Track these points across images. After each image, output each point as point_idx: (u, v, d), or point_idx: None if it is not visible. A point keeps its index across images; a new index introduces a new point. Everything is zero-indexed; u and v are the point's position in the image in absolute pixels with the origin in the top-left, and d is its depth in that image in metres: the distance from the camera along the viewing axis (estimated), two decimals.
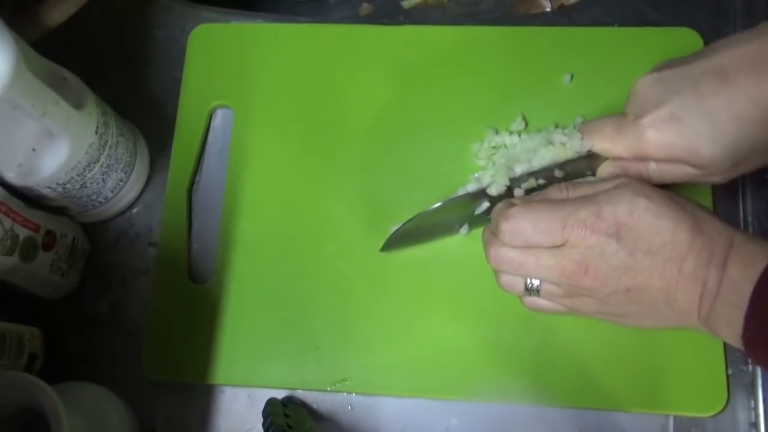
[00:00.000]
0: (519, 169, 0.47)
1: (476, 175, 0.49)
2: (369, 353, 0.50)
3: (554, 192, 0.44)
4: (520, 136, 0.52)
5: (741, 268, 0.38)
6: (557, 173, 0.47)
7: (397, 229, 0.49)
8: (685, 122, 0.40)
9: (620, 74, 0.54)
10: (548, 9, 0.59)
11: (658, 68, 0.43)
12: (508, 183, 0.47)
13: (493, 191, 0.47)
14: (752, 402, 0.48)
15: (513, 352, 0.50)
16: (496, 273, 0.44)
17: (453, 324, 0.50)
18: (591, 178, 0.47)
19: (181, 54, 0.59)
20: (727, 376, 0.48)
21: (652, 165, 0.44)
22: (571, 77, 0.55)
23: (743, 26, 0.56)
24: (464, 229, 0.51)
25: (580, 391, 0.49)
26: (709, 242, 0.39)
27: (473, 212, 0.48)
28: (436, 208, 0.48)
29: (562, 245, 0.40)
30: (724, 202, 0.52)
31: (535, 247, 0.41)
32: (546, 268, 0.41)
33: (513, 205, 0.42)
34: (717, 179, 0.43)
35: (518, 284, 0.43)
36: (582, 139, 0.46)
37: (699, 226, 0.39)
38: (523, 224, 0.41)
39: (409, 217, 0.49)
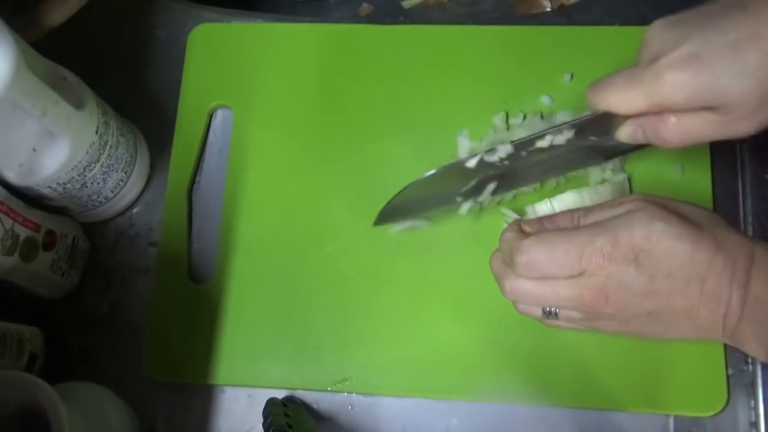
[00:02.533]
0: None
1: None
2: (369, 353, 0.50)
3: (565, 220, 0.42)
4: (524, 117, 0.53)
5: (764, 284, 0.37)
6: (564, 137, 0.44)
7: (390, 201, 0.48)
8: (708, 58, 0.37)
9: None
10: (548, 9, 0.59)
11: (670, 15, 0.40)
12: (511, 150, 0.45)
13: (494, 157, 0.45)
14: (752, 402, 0.48)
15: (513, 353, 0.50)
16: (514, 302, 0.43)
17: (453, 324, 0.50)
18: (606, 203, 0.43)
19: (182, 54, 0.59)
20: (727, 376, 0.48)
21: (672, 119, 0.41)
22: (572, 77, 0.55)
23: None
24: (465, 206, 0.50)
25: (580, 391, 0.49)
26: (729, 260, 0.37)
27: (472, 187, 0.47)
28: (429, 176, 0.46)
29: (579, 275, 0.39)
30: (724, 202, 0.52)
31: (552, 277, 0.40)
32: (565, 299, 0.40)
33: (525, 234, 0.41)
34: (741, 128, 0.39)
35: (536, 311, 0.42)
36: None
37: (718, 244, 0.38)
38: (538, 257, 0.39)
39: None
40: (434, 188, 0.48)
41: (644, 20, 0.56)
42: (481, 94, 0.55)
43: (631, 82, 0.40)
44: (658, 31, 0.40)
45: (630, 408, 0.48)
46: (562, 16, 0.58)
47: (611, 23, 0.57)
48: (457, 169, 0.47)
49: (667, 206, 0.39)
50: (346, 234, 0.53)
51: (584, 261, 0.38)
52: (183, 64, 0.58)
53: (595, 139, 0.45)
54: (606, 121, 0.43)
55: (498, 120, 0.54)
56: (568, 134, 0.44)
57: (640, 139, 0.43)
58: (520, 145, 0.46)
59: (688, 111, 0.40)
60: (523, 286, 0.41)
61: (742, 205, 0.52)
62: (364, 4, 0.66)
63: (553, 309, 0.42)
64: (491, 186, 0.48)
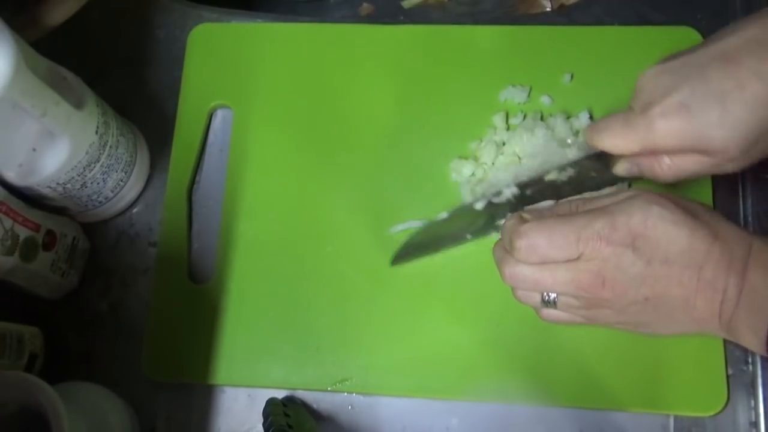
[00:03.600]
0: (526, 175, 0.47)
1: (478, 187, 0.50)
2: (369, 353, 0.50)
3: (564, 208, 0.43)
4: (524, 117, 0.53)
5: (762, 274, 0.37)
6: (566, 174, 0.46)
7: (405, 242, 0.50)
8: (695, 108, 0.40)
9: (620, 73, 0.54)
10: (548, 8, 0.59)
11: (663, 60, 0.42)
12: (516, 191, 0.47)
13: (501, 199, 0.47)
14: (752, 402, 0.48)
15: (513, 352, 0.50)
16: (513, 288, 0.44)
17: (453, 324, 0.50)
18: (605, 191, 0.47)
19: (181, 54, 0.59)
20: (727, 376, 0.48)
21: (666, 160, 0.43)
22: (572, 77, 0.55)
23: None
24: (469, 236, 0.51)
25: (580, 391, 0.49)
26: (727, 249, 0.38)
27: (484, 222, 0.49)
28: (440, 220, 0.48)
29: (578, 258, 0.40)
30: (724, 203, 0.52)
31: (551, 262, 0.40)
32: (563, 283, 0.41)
33: (525, 221, 0.41)
34: (732, 167, 0.42)
35: (535, 297, 0.43)
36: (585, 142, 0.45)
37: (716, 233, 0.39)
38: (537, 240, 0.40)
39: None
40: (445, 229, 0.50)
41: (644, 20, 0.56)
42: (481, 93, 0.55)
43: (626, 127, 0.42)
44: (650, 79, 0.42)
45: (630, 408, 0.48)
46: (562, 16, 0.58)
47: (611, 23, 0.57)
48: (466, 211, 0.49)
49: (665, 195, 0.40)
50: (346, 234, 0.53)
51: (582, 244, 0.39)
52: (183, 64, 0.58)
53: (595, 175, 0.47)
54: (605, 158, 0.45)
55: (498, 120, 0.54)
56: (571, 172, 0.47)
57: (635, 174, 0.45)
58: (525, 185, 0.47)
59: (681, 153, 0.42)
60: (522, 271, 0.41)
61: (742, 206, 0.52)
62: (364, 4, 0.66)
63: (551, 296, 0.42)
64: (502, 221, 0.49)
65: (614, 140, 0.43)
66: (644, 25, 0.56)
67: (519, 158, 0.52)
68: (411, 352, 0.50)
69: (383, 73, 0.57)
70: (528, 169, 0.51)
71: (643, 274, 0.39)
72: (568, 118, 0.53)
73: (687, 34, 0.55)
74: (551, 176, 0.47)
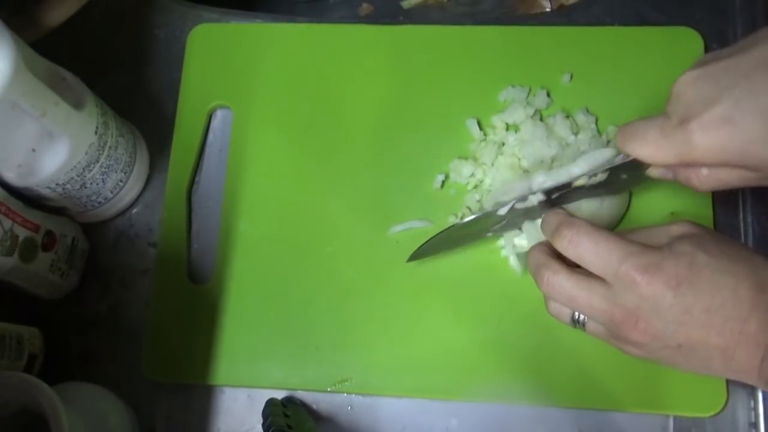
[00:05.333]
0: (550, 181, 0.47)
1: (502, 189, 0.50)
2: (369, 354, 0.50)
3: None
4: (524, 117, 0.53)
5: None
6: (596, 179, 0.45)
7: (426, 242, 0.49)
8: (739, 123, 0.36)
9: (620, 74, 0.55)
10: (548, 9, 0.59)
11: (701, 63, 0.39)
12: (542, 198, 0.46)
13: (525, 205, 0.47)
14: (752, 402, 0.48)
15: (513, 353, 0.50)
16: (546, 298, 0.43)
17: (453, 324, 0.50)
18: (653, 227, 0.43)
19: (181, 54, 0.59)
20: None
21: (704, 171, 0.40)
22: (571, 77, 0.55)
23: (743, 25, 0.56)
24: (490, 234, 0.51)
25: (580, 391, 0.49)
26: None
27: (507, 222, 0.48)
28: (469, 221, 0.47)
29: (612, 284, 0.39)
30: (724, 203, 0.52)
31: (586, 266, 0.40)
32: (596, 309, 0.40)
33: (574, 216, 0.41)
34: None
35: (566, 316, 0.42)
36: (614, 147, 0.43)
37: (764, 284, 0.37)
38: (585, 239, 0.39)
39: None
40: (465, 230, 0.49)
41: (644, 20, 0.56)
42: (481, 94, 0.55)
43: (663, 138, 0.40)
44: (688, 86, 0.39)
45: (630, 408, 0.48)
46: (562, 16, 0.58)
47: (611, 23, 0.57)
48: (489, 216, 0.47)
49: (713, 235, 0.39)
50: (345, 234, 0.53)
51: (624, 269, 0.38)
52: (182, 64, 0.58)
53: (626, 177, 0.45)
54: (637, 162, 0.43)
55: (498, 120, 0.54)
56: (601, 177, 0.45)
57: (670, 179, 0.43)
58: (551, 191, 0.46)
59: (721, 166, 0.39)
60: (560, 281, 0.40)
61: (742, 206, 0.52)
62: (364, 4, 0.66)
63: (581, 318, 0.42)
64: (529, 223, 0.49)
65: (649, 151, 0.41)
66: (644, 25, 0.56)
67: (518, 158, 0.52)
68: (411, 352, 0.50)
69: (383, 73, 0.57)
70: (530, 169, 0.51)
71: (680, 320, 0.38)
72: (567, 117, 0.53)
73: (687, 34, 0.55)
74: (580, 182, 0.46)
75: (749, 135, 0.36)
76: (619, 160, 0.44)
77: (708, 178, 0.40)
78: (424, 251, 0.50)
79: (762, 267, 0.38)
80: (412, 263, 0.51)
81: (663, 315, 0.38)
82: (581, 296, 0.40)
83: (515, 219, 0.48)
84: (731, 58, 0.38)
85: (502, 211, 0.47)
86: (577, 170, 0.46)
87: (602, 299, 0.39)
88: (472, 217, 0.47)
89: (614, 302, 0.39)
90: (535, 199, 0.46)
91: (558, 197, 0.47)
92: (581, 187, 0.46)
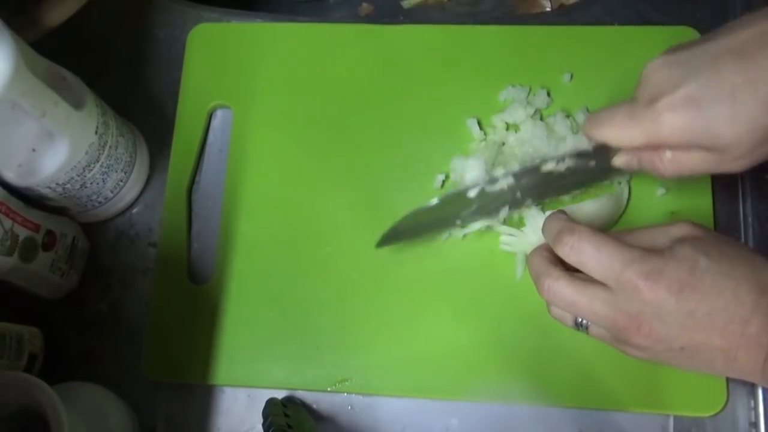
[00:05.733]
0: (517, 164, 0.47)
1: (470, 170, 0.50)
2: (369, 353, 0.50)
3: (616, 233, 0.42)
4: (524, 117, 0.53)
5: None
6: (564, 165, 0.46)
7: (393, 226, 0.49)
8: (704, 103, 0.38)
9: (620, 73, 0.54)
10: (548, 8, 0.59)
11: (670, 51, 0.41)
12: (512, 182, 0.46)
13: (495, 188, 0.47)
14: (752, 402, 0.48)
15: (513, 352, 0.49)
16: (548, 304, 0.43)
17: (453, 324, 0.50)
18: (652, 227, 0.43)
19: (181, 54, 0.59)
20: (728, 377, 0.48)
21: (668, 154, 0.41)
22: (571, 76, 0.55)
23: None
24: (463, 231, 0.51)
25: (580, 391, 0.49)
26: None
27: (475, 209, 0.48)
28: (433, 205, 0.47)
29: (614, 290, 0.39)
30: (724, 203, 0.52)
31: (588, 272, 0.40)
32: (598, 315, 0.40)
33: (574, 221, 0.41)
34: (734, 166, 0.40)
35: (568, 319, 0.42)
36: (584, 134, 0.44)
37: (765, 286, 0.37)
38: (586, 246, 0.39)
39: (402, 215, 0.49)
40: (434, 215, 0.48)
41: (644, 20, 0.56)
42: (481, 93, 0.55)
43: (630, 120, 0.41)
44: (656, 70, 0.40)
45: (630, 408, 0.48)
46: (562, 16, 0.58)
47: (611, 23, 0.57)
48: (458, 197, 0.47)
49: (713, 236, 0.39)
50: (346, 234, 0.53)
51: (626, 275, 0.38)
52: (182, 64, 0.58)
53: (594, 166, 0.46)
54: (604, 150, 0.44)
55: (498, 120, 0.54)
56: (569, 162, 0.46)
57: (635, 167, 0.44)
58: (521, 175, 0.46)
59: (685, 148, 0.41)
60: (561, 288, 0.40)
61: (742, 206, 0.52)
62: (364, 4, 0.66)
63: (584, 321, 0.42)
64: (504, 211, 0.48)
65: (617, 132, 0.42)
66: (644, 25, 0.56)
67: (518, 158, 0.52)
68: (411, 352, 0.50)
69: (383, 73, 0.57)
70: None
71: (683, 324, 0.38)
72: (567, 117, 0.53)
73: (687, 34, 0.55)
74: (548, 167, 0.46)
75: (714, 114, 0.38)
76: (585, 145, 0.45)
77: (672, 162, 0.41)
78: (393, 236, 0.49)
79: (762, 268, 0.38)
80: (413, 262, 0.51)
81: (666, 319, 0.38)
82: (583, 302, 0.40)
83: (489, 205, 0.48)
84: (699, 45, 0.39)
85: (472, 193, 0.47)
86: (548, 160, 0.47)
87: (604, 305, 0.39)
88: (439, 199, 0.47)
89: (616, 308, 0.39)
90: (504, 183, 0.46)
91: (527, 183, 0.47)
92: (550, 174, 0.46)
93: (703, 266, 0.38)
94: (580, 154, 0.46)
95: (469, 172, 0.52)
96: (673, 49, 0.41)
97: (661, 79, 0.40)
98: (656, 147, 0.41)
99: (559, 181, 0.47)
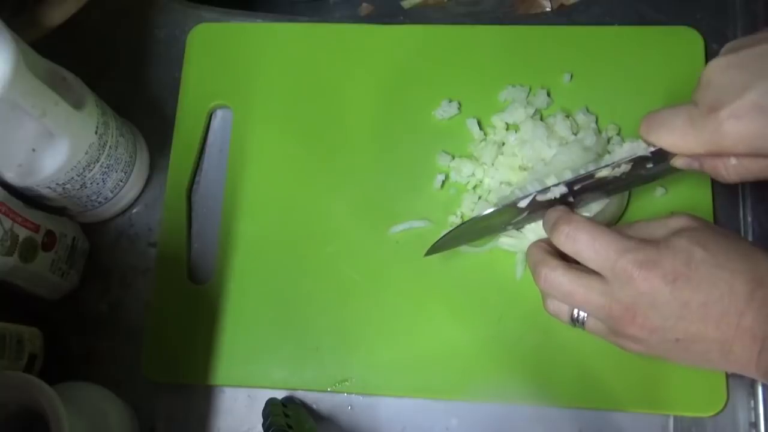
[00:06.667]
0: (570, 172, 0.46)
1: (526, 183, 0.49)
2: (369, 353, 0.50)
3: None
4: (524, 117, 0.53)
5: None
6: (620, 170, 0.44)
7: (446, 233, 0.48)
8: None
9: (620, 73, 0.55)
10: (548, 8, 0.59)
11: (731, 50, 0.38)
12: (565, 190, 0.45)
13: (547, 196, 0.45)
14: (752, 402, 0.48)
15: (513, 352, 0.49)
16: (544, 296, 0.43)
17: (453, 324, 0.50)
18: (651, 220, 0.43)
19: (181, 54, 0.59)
20: (727, 376, 0.48)
21: (732, 161, 0.39)
22: (571, 76, 0.55)
23: (743, 25, 0.56)
24: (510, 227, 0.50)
25: (580, 391, 0.49)
26: None
27: (526, 216, 0.47)
28: (487, 215, 0.46)
29: (609, 280, 0.39)
30: (724, 203, 0.52)
31: (583, 261, 0.40)
32: (594, 305, 0.40)
33: (574, 213, 0.41)
34: None
35: (564, 313, 0.43)
36: (639, 142, 0.42)
37: (760, 278, 0.37)
38: (582, 234, 0.39)
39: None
40: (485, 223, 0.47)
41: (644, 20, 0.56)
42: (481, 93, 0.55)
43: (691, 127, 0.39)
44: (718, 73, 0.38)
45: (630, 408, 0.48)
46: (562, 16, 0.58)
47: (611, 23, 0.57)
48: (510, 208, 0.46)
49: (710, 228, 0.39)
50: (346, 234, 0.53)
51: (621, 264, 0.38)
52: (182, 64, 0.58)
53: (651, 166, 0.44)
54: (661, 153, 0.42)
55: (498, 120, 0.54)
56: (625, 168, 0.44)
57: (696, 169, 0.41)
58: (573, 183, 0.45)
59: (751, 156, 0.38)
60: (558, 277, 0.41)
61: (742, 206, 0.52)
62: (364, 4, 0.66)
63: (580, 316, 0.42)
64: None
65: (675, 139, 0.40)
66: (644, 25, 0.56)
67: (518, 158, 0.52)
68: (411, 352, 0.50)
69: (383, 73, 0.57)
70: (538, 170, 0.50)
71: (678, 314, 0.38)
72: (567, 117, 0.53)
73: (687, 34, 0.55)
74: (602, 173, 0.44)
75: None
76: (642, 151, 0.42)
77: (736, 168, 0.39)
78: (443, 244, 0.48)
79: (759, 261, 0.38)
80: (413, 262, 0.51)
81: (660, 310, 0.38)
82: (579, 292, 0.40)
83: (537, 212, 0.47)
84: (763, 44, 0.37)
85: (523, 203, 0.46)
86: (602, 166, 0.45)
87: (600, 295, 0.39)
88: (493, 209, 0.46)
89: (612, 297, 0.39)
90: (557, 191, 0.45)
91: (580, 190, 0.45)
92: (604, 180, 0.44)
93: (698, 258, 0.38)
94: (636, 159, 0.43)
95: (469, 172, 0.52)
96: (734, 48, 0.38)
97: (723, 83, 0.37)
98: (719, 154, 0.39)
99: (612, 184, 0.45)
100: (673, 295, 0.37)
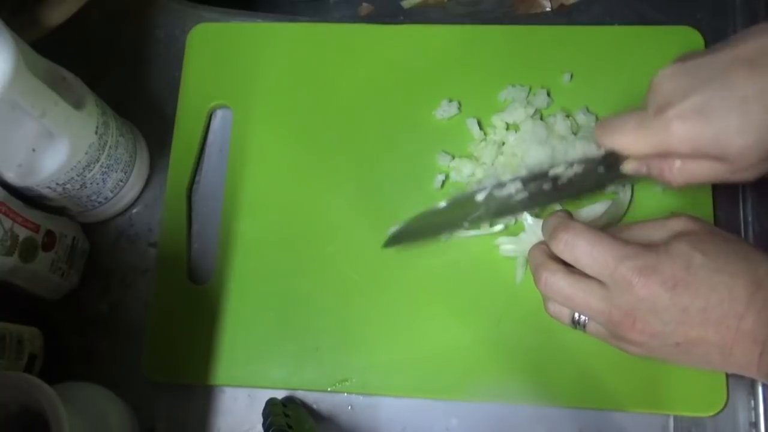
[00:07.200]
0: (525, 170, 0.46)
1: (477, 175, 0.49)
2: (369, 354, 0.50)
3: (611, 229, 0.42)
4: (524, 117, 0.53)
5: None
6: (572, 170, 0.45)
7: (401, 227, 0.48)
8: (714, 113, 0.38)
9: (620, 73, 0.55)
10: (548, 8, 0.59)
11: (680, 59, 0.41)
12: (520, 186, 0.45)
13: (503, 192, 0.46)
14: (752, 402, 0.48)
15: (513, 352, 0.49)
16: (545, 299, 0.43)
17: (453, 324, 0.50)
18: (649, 222, 0.43)
19: (181, 54, 0.59)
20: (727, 376, 0.48)
21: (677, 163, 0.41)
22: (571, 76, 0.55)
23: (743, 25, 0.56)
24: (470, 233, 0.50)
25: (580, 391, 0.49)
26: None
27: (483, 212, 0.47)
28: (442, 207, 0.47)
29: (608, 286, 0.39)
30: (724, 203, 0.52)
31: (582, 269, 0.40)
32: (594, 310, 0.40)
33: (572, 219, 0.41)
34: (744, 176, 0.40)
35: (565, 316, 0.43)
36: (594, 142, 0.44)
37: (760, 281, 0.37)
38: (581, 242, 0.40)
39: (411, 216, 0.48)
40: (441, 217, 0.48)
41: (644, 20, 0.56)
42: (481, 93, 0.55)
43: (640, 128, 0.41)
44: (666, 79, 0.40)
45: (630, 408, 0.48)
46: (562, 16, 0.58)
47: (611, 23, 0.57)
48: (466, 200, 0.47)
49: (710, 231, 0.39)
50: (345, 234, 0.53)
51: (619, 271, 0.38)
52: (182, 64, 0.58)
53: (603, 172, 0.45)
54: (613, 156, 0.44)
55: (498, 120, 0.54)
56: (577, 168, 0.45)
57: (644, 174, 0.43)
58: (528, 180, 0.46)
59: (694, 157, 0.40)
60: (558, 281, 0.41)
61: (742, 206, 0.52)
62: (364, 4, 0.66)
63: (581, 319, 0.42)
64: (510, 215, 0.49)
65: (626, 140, 0.42)
66: (644, 25, 0.56)
67: (519, 158, 0.52)
68: (411, 353, 0.50)
69: (383, 73, 0.57)
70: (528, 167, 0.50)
71: (678, 320, 0.38)
72: (567, 117, 0.53)
73: (687, 34, 0.55)
74: (556, 171, 0.45)
75: (724, 124, 0.38)
76: (594, 152, 0.44)
77: (681, 171, 0.41)
78: (399, 237, 0.49)
79: (759, 263, 0.38)
80: (413, 262, 0.51)
81: (660, 315, 0.38)
82: (579, 296, 0.40)
83: (495, 210, 0.47)
84: (710, 54, 0.39)
85: (480, 197, 0.46)
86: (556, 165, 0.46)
87: (600, 300, 0.39)
88: (447, 202, 0.47)
89: (611, 303, 0.39)
90: (513, 187, 0.46)
91: (535, 188, 0.46)
92: (558, 179, 0.45)
93: (697, 262, 0.38)
94: (589, 160, 0.45)
95: (469, 172, 0.52)
96: (683, 58, 0.41)
97: (670, 88, 0.40)
98: (665, 155, 0.41)
99: (567, 187, 0.46)
100: (672, 300, 0.38)
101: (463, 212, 0.48)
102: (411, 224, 0.48)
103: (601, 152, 0.44)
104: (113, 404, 0.48)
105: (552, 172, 0.45)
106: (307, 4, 0.70)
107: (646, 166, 0.43)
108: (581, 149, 0.46)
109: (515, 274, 0.51)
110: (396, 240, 0.49)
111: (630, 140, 0.42)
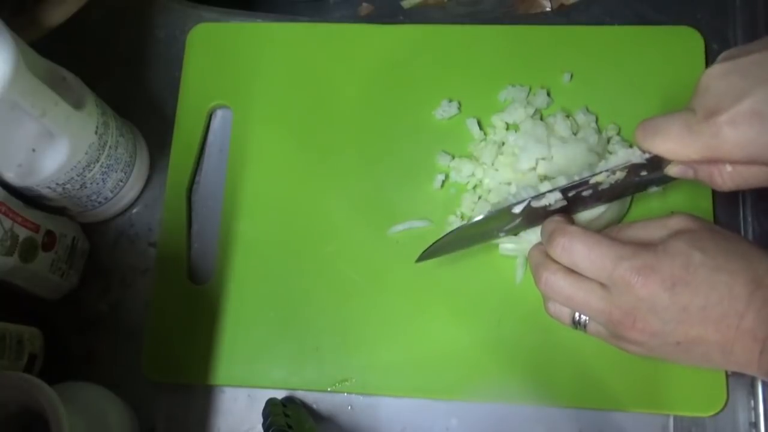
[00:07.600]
0: (564, 179, 0.45)
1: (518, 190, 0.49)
2: (369, 354, 0.50)
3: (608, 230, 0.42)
4: (524, 117, 0.53)
5: None
6: (615, 177, 0.43)
7: (437, 240, 0.47)
8: None
9: (620, 73, 0.55)
10: (548, 8, 0.59)
11: (729, 56, 0.38)
12: (559, 196, 0.44)
13: (541, 203, 0.44)
14: (752, 402, 0.48)
15: (513, 352, 0.49)
16: (545, 299, 0.43)
17: (453, 324, 0.50)
18: (649, 221, 0.42)
19: (181, 54, 0.59)
20: (727, 376, 0.48)
21: (728, 168, 0.39)
22: (571, 76, 0.55)
23: (743, 25, 0.56)
24: (503, 234, 0.49)
25: (580, 391, 0.49)
26: None
27: (519, 222, 0.46)
28: (478, 221, 0.46)
29: (609, 287, 0.39)
30: (724, 203, 0.52)
31: (581, 272, 0.40)
32: (594, 310, 0.40)
33: (572, 222, 0.41)
34: None
35: (565, 316, 0.43)
36: (636, 148, 0.42)
37: (760, 279, 0.37)
38: (577, 246, 0.39)
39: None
40: (478, 229, 0.47)
41: (644, 20, 0.56)
42: (480, 93, 0.55)
43: (688, 133, 0.38)
44: (716, 79, 0.38)
45: (630, 408, 0.48)
46: (561, 16, 0.58)
47: (611, 23, 0.57)
48: (503, 213, 0.46)
49: (708, 228, 0.39)
50: (345, 234, 0.53)
51: (617, 272, 0.38)
52: (182, 64, 0.58)
53: (646, 174, 0.44)
54: (657, 158, 0.42)
55: (498, 120, 0.54)
56: (620, 175, 0.43)
57: (690, 177, 0.41)
58: (568, 189, 0.44)
59: (747, 163, 0.38)
60: (558, 281, 0.40)
61: (742, 206, 0.52)
62: (364, 4, 0.66)
63: (582, 319, 0.42)
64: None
65: (671, 146, 0.39)
66: (644, 25, 0.56)
67: (518, 158, 0.52)
68: (411, 353, 0.50)
69: (383, 73, 0.57)
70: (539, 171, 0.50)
71: (677, 319, 0.38)
72: (567, 117, 0.53)
73: (687, 34, 0.55)
74: (598, 179, 0.44)
75: None
76: (638, 158, 0.42)
77: (732, 176, 0.39)
78: (434, 251, 0.48)
79: (758, 261, 0.38)
80: (413, 262, 0.51)
81: (660, 314, 0.38)
82: (578, 296, 0.40)
83: (530, 219, 0.46)
84: (762, 51, 0.37)
85: (517, 209, 0.45)
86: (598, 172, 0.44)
87: (600, 300, 0.39)
88: (485, 215, 0.45)
89: (612, 302, 0.39)
90: (552, 198, 0.44)
91: (575, 197, 0.45)
92: (598, 186, 0.44)
93: (697, 261, 0.37)
94: (631, 166, 0.43)
95: (469, 172, 0.52)
96: (731, 54, 0.38)
97: (721, 90, 0.37)
98: (715, 162, 0.39)
99: (608, 191, 0.45)
100: (672, 300, 0.37)
101: (499, 224, 0.47)
102: (446, 237, 0.47)
103: (645, 158, 0.42)
104: (113, 404, 0.48)
105: (593, 180, 0.44)
106: (307, 4, 0.70)
107: (693, 170, 0.41)
108: (624, 155, 0.43)
109: (515, 274, 0.51)
110: (431, 254, 0.48)
111: (676, 145, 0.39)
